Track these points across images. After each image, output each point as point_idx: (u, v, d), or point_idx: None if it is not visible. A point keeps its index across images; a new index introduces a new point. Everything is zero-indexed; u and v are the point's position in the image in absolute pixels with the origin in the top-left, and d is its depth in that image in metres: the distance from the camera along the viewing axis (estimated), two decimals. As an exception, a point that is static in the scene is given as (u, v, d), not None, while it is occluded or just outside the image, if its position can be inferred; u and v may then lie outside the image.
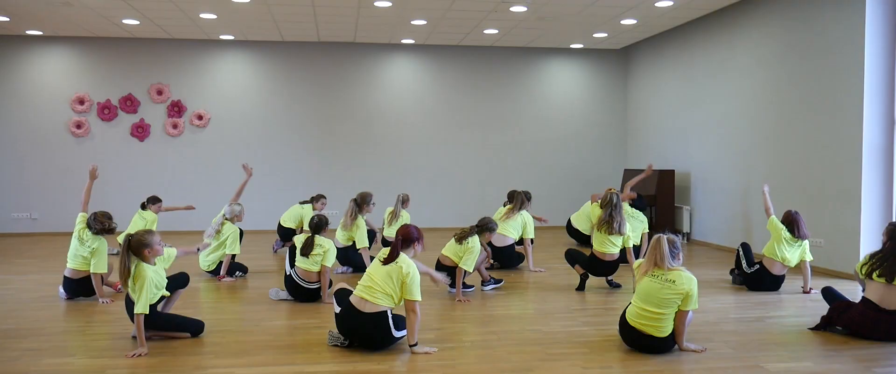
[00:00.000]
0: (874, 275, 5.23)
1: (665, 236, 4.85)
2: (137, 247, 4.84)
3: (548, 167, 13.45)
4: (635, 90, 13.28)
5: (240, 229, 7.89)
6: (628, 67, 13.53)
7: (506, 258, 8.36)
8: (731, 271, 7.68)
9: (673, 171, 11.26)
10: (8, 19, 10.71)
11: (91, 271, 6.44)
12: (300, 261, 6.43)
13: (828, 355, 4.85)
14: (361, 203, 8.19)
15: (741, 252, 7.40)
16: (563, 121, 13.55)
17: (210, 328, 5.37)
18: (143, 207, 9.46)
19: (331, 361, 4.61)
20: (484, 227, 7.02)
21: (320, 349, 4.87)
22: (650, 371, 4.42)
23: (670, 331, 4.75)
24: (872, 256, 5.35)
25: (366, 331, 4.74)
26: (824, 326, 5.48)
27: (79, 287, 6.52)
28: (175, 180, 12.47)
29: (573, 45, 13.06)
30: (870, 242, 7.72)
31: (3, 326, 5.57)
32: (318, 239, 6.48)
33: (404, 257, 4.85)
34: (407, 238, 4.96)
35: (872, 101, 7.72)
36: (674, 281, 4.70)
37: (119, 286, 6.81)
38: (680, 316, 4.75)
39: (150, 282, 4.80)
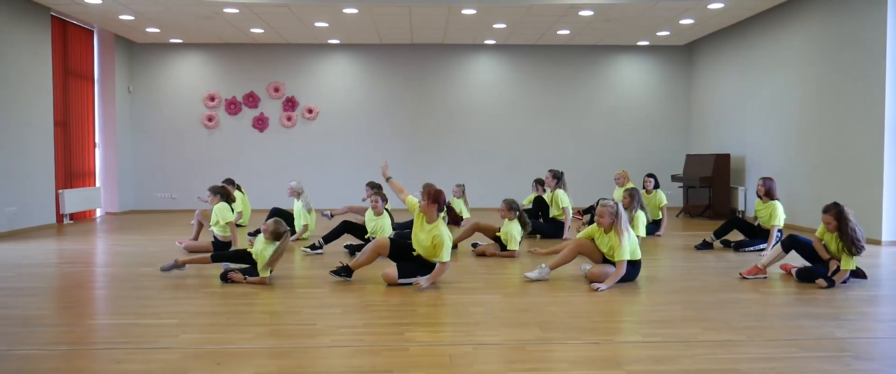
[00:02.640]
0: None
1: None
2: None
3: (616, 154, 14.81)
4: (698, 82, 14.50)
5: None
6: (692, 62, 14.76)
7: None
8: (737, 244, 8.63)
9: (728, 154, 12.48)
10: (159, 30, 12.92)
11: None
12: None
13: (791, 280, 6.20)
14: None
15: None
16: (630, 112, 14.91)
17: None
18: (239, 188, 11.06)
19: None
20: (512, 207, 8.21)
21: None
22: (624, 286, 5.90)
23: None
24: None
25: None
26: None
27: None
28: (289, 165, 14.50)
29: (640, 43, 14.38)
30: (891, 212, 8.90)
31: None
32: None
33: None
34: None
35: (893, 89, 8.85)
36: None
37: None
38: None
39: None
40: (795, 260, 6.82)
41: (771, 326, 4.72)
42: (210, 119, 14.53)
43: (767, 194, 8.37)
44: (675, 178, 13.79)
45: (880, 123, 8.96)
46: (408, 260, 6.29)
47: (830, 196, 9.96)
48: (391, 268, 6.17)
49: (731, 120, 13.10)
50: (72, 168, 12.56)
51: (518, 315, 5.06)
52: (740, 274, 6.62)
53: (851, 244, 6.03)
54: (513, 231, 8.01)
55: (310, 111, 14.62)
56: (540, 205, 10.23)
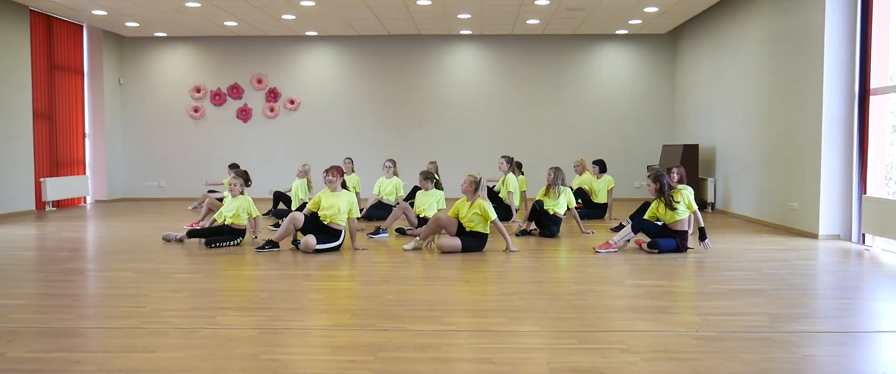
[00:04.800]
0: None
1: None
2: None
3: (597, 145, 14.68)
4: (681, 71, 14.26)
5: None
6: (676, 49, 14.51)
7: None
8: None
9: (697, 145, 12.26)
10: (138, 25, 13.38)
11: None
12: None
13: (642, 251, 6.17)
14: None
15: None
16: (613, 102, 14.76)
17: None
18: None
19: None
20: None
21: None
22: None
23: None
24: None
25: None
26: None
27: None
28: (272, 155, 14.84)
29: (618, 31, 14.21)
30: (827, 205, 8.66)
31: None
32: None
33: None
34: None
35: (831, 83, 8.58)
36: None
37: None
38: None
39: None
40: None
41: (604, 280, 4.77)
42: (196, 110, 14.97)
43: (680, 180, 8.40)
44: (650, 168, 13.59)
45: (818, 116, 8.71)
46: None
47: (778, 189, 9.77)
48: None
49: (703, 110, 12.87)
50: (58, 157, 13.13)
51: (472, 274, 5.26)
52: (594, 249, 7.50)
53: (669, 201, 7.39)
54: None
55: (292, 102, 14.92)
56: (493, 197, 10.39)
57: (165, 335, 4.25)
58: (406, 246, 7.63)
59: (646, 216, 7.56)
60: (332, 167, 7.67)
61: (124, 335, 4.28)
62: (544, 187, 9.07)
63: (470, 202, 7.51)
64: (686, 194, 7.58)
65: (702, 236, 7.46)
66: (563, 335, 4.23)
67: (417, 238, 7.65)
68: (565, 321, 4.55)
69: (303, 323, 4.53)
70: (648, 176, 7.64)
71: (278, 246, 7.61)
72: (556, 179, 8.94)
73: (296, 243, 7.64)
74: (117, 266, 6.73)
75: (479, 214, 7.43)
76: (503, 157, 10.75)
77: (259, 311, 4.86)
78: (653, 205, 7.57)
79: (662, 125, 14.75)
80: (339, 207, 7.49)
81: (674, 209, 7.38)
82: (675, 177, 8.39)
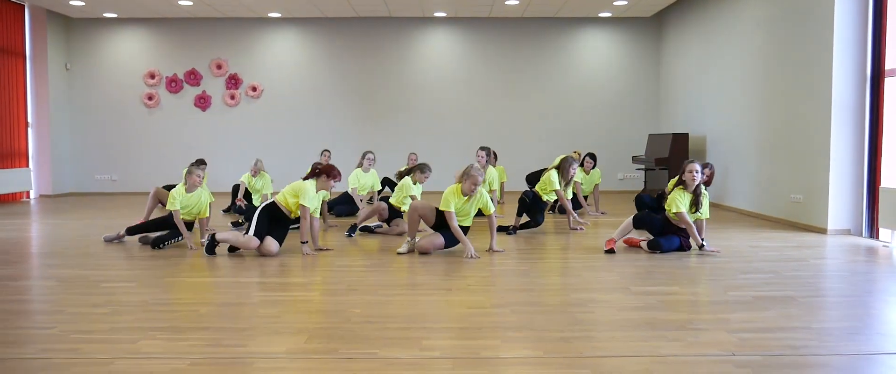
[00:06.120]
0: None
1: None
2: None
3: (578, 133, 13.89)
4: (666, 56, 13.51)
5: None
6: (661, 34, 13.76)
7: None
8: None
9: (686, 134, 11.51)
10: (84, 4, 12.26)
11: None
12: None
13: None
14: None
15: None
16: (595, 88, 13.96)
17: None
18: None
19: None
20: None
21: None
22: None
23: None
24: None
25: None
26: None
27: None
28: (232, 146, 13.82)
29: (601, 14, 13.40)
30: (837, 198, 7.94)
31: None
32: None
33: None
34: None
35: (841, 67, 7.84)
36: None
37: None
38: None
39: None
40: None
41: (607, 287, 3.95)
42: (150, 98, 13.89)
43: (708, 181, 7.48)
44: (635, 159, 12.86)
45: (826, 100, 7.97)
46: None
47: (781, 180, 9.06)
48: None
49: (692, 96, 12.13)
50: (-4, 149, 12.02)
51: (453, 280, 4.35)
52: (605, 251, 6.68)
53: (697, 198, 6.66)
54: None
55: (253, 89, 13.91)
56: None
57: (67, 368, 3.33)
58: (400, 250, 6.71)
59: (669, 200, 6.73)
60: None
61: (13, 367, 3.35)
62: (546, 180, 8.19)
63: (467, 197, 6.71)
64: (705, 201, 6.81)
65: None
66: (572, 364, 3.39)
67: (408, 239, 6.77)
68: (571, 343, 3.71)
69: (246, 349, 3.64)
70: (702, 165, 6.85)
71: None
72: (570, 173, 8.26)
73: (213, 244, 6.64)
74: (39, 273, 5.78)
75: (480, 208, 6.80)
76: (481, 148, 9.90)
77: (194, 332, 3.95)
78: (677, 190, 6.72)
79: (648, 113, 14.01)
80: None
81: (697, 208, 6.66)
82: (703, 176, 7.37)
